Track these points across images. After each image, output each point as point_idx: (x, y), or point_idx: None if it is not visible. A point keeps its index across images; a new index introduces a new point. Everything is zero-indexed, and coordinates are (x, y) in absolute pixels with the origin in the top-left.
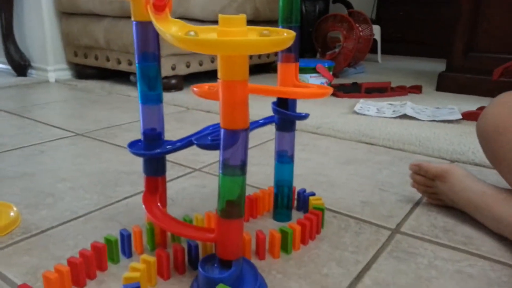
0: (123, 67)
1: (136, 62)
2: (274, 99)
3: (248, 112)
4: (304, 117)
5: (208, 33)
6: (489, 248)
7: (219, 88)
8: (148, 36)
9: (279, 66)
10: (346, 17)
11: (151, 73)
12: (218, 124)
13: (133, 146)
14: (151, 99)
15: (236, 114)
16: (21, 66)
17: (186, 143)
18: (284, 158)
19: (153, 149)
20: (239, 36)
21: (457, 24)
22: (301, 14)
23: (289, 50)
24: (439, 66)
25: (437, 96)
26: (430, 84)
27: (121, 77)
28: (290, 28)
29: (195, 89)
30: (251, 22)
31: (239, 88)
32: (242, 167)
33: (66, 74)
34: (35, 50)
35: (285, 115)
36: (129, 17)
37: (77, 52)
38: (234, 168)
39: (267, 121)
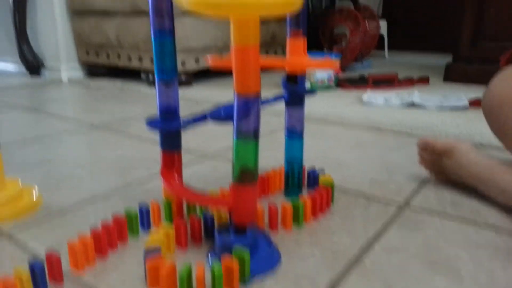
0: (134, 63)
1: (152, 37)
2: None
3: (260, 78)
4: (313, 91)
5: None
6: (496, 219)
7: (232, 54)
8: (163, 11)
9: (288, 41)
10: (352, 11)
11: (166, 47)
12: (230, 103)
13: (151, 123)
14: (167, 73)
15: (249, 78)
16: (34, 66)
17: (200, 117)
18: (294, 134)
19: (169, 123)
20: None
21: (463, 13)
22: (307, 9)
23: (297, 25)
24: (448, 59)
25: (444, 87)
26: (437, 76)
27: (132, 75)
28: None
29: (209, 58)
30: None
31: (251, 53)
32: (255, 132)
33: (79, 73)
34: (48, 50)
35: (295, 89)
36: (140, 13)
37: (89, 50)
38: (247, 133)
39: (277, 98)
